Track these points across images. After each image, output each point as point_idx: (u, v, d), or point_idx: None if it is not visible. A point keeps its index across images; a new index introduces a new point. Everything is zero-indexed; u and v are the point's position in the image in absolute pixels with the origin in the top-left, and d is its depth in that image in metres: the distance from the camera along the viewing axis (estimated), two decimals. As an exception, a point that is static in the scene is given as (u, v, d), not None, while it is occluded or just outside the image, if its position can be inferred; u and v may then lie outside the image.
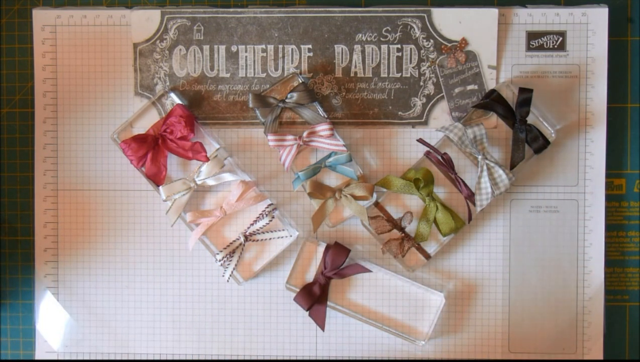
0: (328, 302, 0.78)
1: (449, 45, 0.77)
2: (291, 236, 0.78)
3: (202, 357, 0.80)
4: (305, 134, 0.75)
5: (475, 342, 0.78)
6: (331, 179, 0.78)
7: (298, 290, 0.77)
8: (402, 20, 0.77)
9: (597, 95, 0.77)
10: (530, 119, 0.75)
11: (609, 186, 0.78)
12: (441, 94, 0.78)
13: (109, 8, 0.79)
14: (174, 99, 0.78)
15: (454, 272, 0.78)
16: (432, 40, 0.77)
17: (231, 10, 0.78)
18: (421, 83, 0.78)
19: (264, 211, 0.76)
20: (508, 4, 0.77)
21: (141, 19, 0.78)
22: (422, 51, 0.77)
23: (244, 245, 0.77)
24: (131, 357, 0.80)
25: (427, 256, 0.77)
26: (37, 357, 0.80)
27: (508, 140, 0.77)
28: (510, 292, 0.78)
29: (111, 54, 0.79)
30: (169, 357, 0.80)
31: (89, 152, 0.79)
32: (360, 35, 0.77)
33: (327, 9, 0.77)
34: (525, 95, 0.75)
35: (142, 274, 0.79)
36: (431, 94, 0.78)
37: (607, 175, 0.77)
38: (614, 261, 0.79)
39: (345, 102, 0.78)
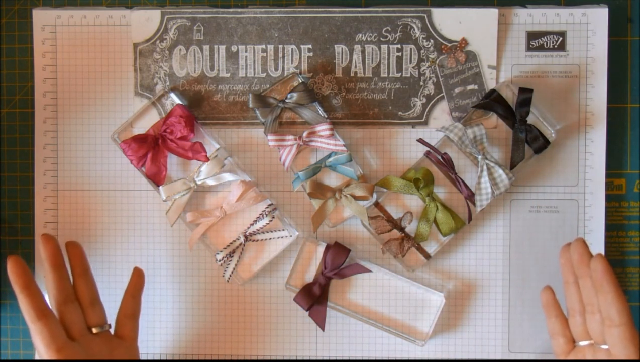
0: (328, 302, 0.78)
1: (449, 45, 0.77)
2: (291, 236, 0.78)
3: (202, 357, 0.80)
4: (305, 134, 0.75)
5: (475, 342, 0.78)
6: (331, 179, 0.78)
7: (298, 290, 0.77)
8: (402, 20, 0.77)
9: (597, 95, 0.77)
10: (530, 119, 0.75)
11: (609, 186, 0.78)
12: (441, 94, 0.78)
13: (109, 8, 0.79)
14: (174, 99, 0.78)
15: (454, 272, 0.78)
16: (432, 40, 0.77)
17: (231, 10, 0.78)
18: (421, 83, 0.78)
19: (264, 211, 0.76)
20: (508, 4, 0.77)
21: (141, 19, 0.78)
22: (422, 51, 0.77)
23: (244, 245, 0.77)
24: (131, 357, 0.80)
25: (427, 256, 0.77)
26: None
27: (508, 140, 0.77)
28: (510, 292, 0.78)
29: (111, 54, 0.79)
30: (169, 357, 0.80)
31: (89, 152, 0.79)
32: (360, 35, 0.77)
33: (327, 9, 0.77)
34: (525, 95, 0.75)
35: (142, 274, 0.79)
36: (431, 94, 0.78)
37: (607, 176, 0.77)
38: (614, 261, 0.79)
39: (345, 102, 0.78)
